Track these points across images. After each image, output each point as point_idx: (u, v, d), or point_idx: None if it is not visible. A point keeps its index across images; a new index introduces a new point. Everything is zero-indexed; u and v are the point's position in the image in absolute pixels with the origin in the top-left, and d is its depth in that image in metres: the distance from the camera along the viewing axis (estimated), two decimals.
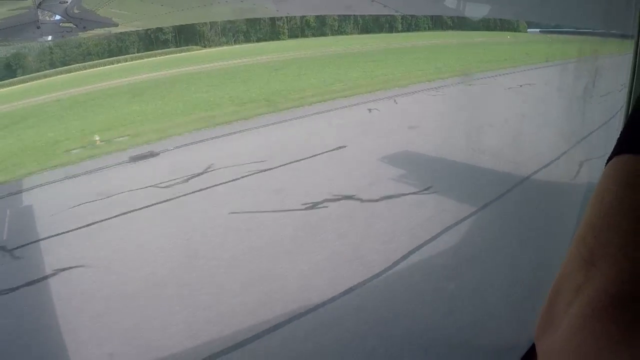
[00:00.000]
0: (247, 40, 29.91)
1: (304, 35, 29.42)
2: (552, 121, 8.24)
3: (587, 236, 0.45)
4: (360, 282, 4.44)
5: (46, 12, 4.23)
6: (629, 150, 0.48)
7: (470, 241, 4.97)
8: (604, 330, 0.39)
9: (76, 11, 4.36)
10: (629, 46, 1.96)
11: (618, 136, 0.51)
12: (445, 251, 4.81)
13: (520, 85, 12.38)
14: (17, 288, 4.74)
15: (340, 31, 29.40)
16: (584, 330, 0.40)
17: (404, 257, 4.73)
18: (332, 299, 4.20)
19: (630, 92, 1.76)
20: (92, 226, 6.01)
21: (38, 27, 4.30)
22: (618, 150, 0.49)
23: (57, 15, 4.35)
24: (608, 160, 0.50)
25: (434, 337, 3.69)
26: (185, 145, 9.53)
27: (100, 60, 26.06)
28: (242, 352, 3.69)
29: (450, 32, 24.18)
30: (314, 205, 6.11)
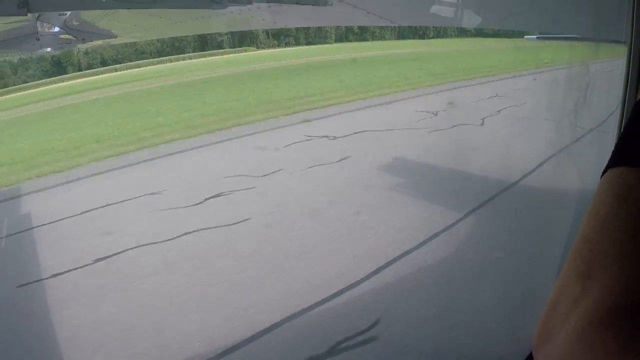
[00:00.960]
0: (297, 43, 32.34)
1: (347, 40, 32.05)
2: (545, 132, 8.32)
3: (583, 249, 0.45)
4: (351, 284, 4.44)
5: (45, 24, 4.26)
6: (624, 163, 0.48)
7: (467, 250, 4.96)
8: (601, 343, 0.39)
9: (75, 23, 4.38)
10: (621, 53, 1.97)
11: (612, 148, 0.51)
12: (441, 258, 4.79)
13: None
14: None
15: (380, 37, 31.75)
16: (581, 343, 0.40)
17: (393, 261, 4.73)
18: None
19: (623, 104, 1.77)
20: None
21: (37, 39, 4.32)
22: (613, 163, 0.49)
23: (56, 27, 4.38)
24: (603, 173, 0.50)
25: (430, 346, 3.66)
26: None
27: (170, 57, 28.28)
28: None
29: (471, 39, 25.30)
30: None
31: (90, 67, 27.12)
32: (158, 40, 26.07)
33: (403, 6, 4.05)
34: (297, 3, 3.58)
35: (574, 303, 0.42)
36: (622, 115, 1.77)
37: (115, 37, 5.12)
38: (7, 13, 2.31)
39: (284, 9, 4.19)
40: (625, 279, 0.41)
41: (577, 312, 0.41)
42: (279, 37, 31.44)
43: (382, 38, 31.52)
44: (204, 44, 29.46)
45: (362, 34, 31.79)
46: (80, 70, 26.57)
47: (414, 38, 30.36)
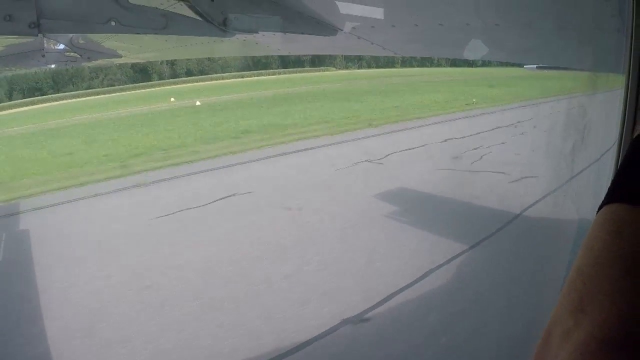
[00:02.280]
0: (369, 66, 36.44)
1: (411, 65, 36.16)
2: (543, 166, 8.42)
3: (576, 282, 0.46)
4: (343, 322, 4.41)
5: (51, 41, 4.32)
6: (619, 200, 0.49)
7: (463, 282, 4.94)
8: None
9: (81, 42, 4.45)
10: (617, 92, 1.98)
11: (609, 185, 0.52)
12: (437, 290, 4.77)
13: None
14: None
15: (437, 64, 35.74)
16: None
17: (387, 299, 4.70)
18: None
19: (620, 142, 1.76)
20: None
21: (43, 56, 4.39)
22: (608, 200, 0.50)
23: (61, 45, 4.45)
24: (599, 209, 0.51)
25: None
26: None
27: (252, 72, 32.94)
28: None
29: None
30: None
31: (175, 75, 29.43)
32: (244, 57, 29.32)
33: (407, 38, 4.11)
34: (302, 33, 3.63)
35: (567, 335, 0.43)
36: (618, 152, 1.76)
37: (120, 57, 5.19)
38: (18, 33, 2.35)
39: (289, 37, 4.25)
40: (616, 313, 0.41)
41: (570, 344, 0.42)
42: (353, 59, 35.89)
43: (440, 65, 35.79)
44: (286, 62, 33.98)
45: (422, 60, 35.75)
46: (162, 78, 30.72)
47: (463, 66, 34.41)
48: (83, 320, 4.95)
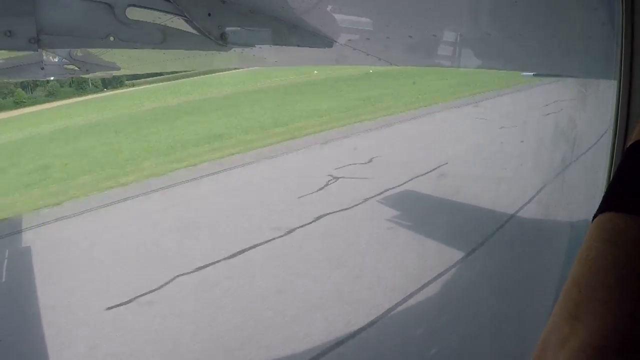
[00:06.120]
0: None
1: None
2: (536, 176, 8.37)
3: (572, 291, 0.47)
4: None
5: (50, 54, 4.34)
6: (613, 209, 0.50)
7: (457, 291, 4.92)
8: None
9: (79, 54, 4.48)
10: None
11: (603, 195, 0.53)
12: (430, 299, 4.75)
13: None
14: None
15: None
16: None
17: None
18: None
19: (612, 151, 1.77)
20: None
21: (42, 68, 4.41)
22: (603, 208, 0.51)
23: (60, 57, 4.48)
24: (593, 218, 0.52)
25: None
26: None
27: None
28: None
29: None
30: None
31: None
32: None
33: (402, 49, 4.15)
34: (298, 45, 3.66)
35: (563, 343, 0.43)
36: (611, 161, 1.77)
37: (119, 69, 5.22)
38: (18, 48, 2.38)
39: (285, 49, 4.29)
40: (611, 321, 0.42)
41: (566, 352, 0.43)
42: None
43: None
44: None
45: None
46: None
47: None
48: None
